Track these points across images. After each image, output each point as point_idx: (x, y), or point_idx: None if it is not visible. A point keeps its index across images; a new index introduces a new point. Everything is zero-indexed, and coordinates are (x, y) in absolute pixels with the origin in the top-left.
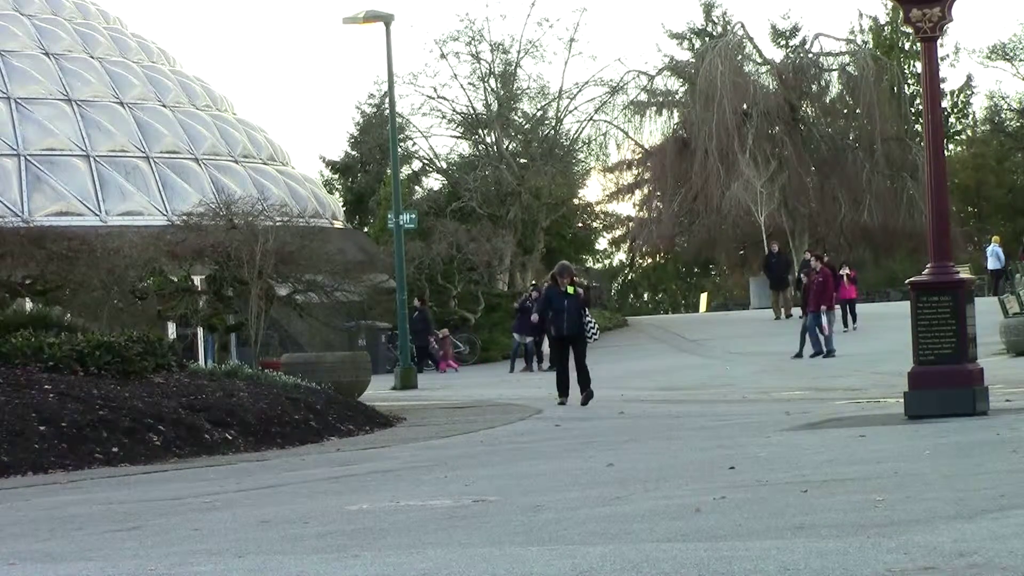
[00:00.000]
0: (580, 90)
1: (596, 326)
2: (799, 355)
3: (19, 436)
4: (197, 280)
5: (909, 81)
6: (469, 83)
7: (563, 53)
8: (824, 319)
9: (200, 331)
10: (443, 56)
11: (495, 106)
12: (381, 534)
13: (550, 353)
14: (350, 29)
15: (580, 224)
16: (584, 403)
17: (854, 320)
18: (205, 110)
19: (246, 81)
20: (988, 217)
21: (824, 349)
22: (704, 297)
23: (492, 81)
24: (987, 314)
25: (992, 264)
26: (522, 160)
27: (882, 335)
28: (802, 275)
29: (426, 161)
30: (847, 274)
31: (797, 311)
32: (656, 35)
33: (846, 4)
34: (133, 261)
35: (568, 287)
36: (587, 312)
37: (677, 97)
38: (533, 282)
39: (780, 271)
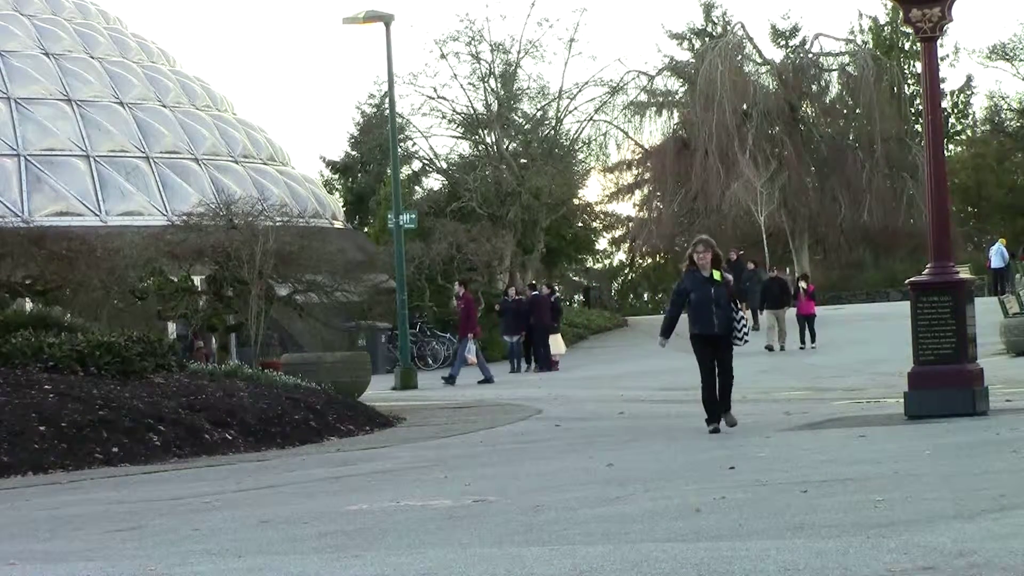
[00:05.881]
0: (580, 90)
1: (748, 324)
2: (450, 379)
3: (19, 436)
4: (197, 280)
5: (909, 81)
6: (469, 83)
7: (563, 53)
8: (470, 346)
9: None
10: (443, 56)
11: (495, 106)
12: (381, 534)
13: (698, 361)
14: (350, 29)
15: (580, 224)
16: (728, 425)
17: (812, 339)
18: (205, 110)
19: (246, 81)
20: (988, 217)
21: (474, 374)
22: None
23: (492, 81)
24: (987, 314)
25: (996, 263)
26: (522, 160)
27: (881, 336)
28: (746, 284)
29: (426, 161)
30: (804, 288)
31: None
32: (656, 35)
33: (846, 4)
34: (133, 261)
35: (713, 271)
36: (738, 306)
37: (677, 97)
38: (514, 286)
39: (739, 278)
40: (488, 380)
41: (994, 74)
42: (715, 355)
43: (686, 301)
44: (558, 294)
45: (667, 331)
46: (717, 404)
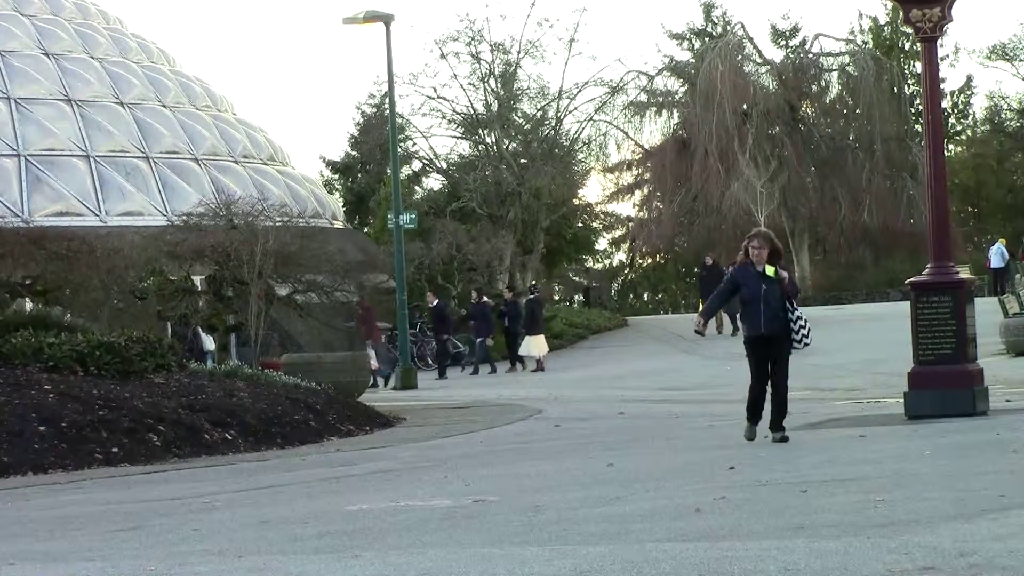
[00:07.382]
0: (580, 90)
1: (808, 326)
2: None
3: (19, 436)
4: (197, 280)
5: (909, 81)
6: (469, 83)
7: (563, 53)
8: (370, 351)
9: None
10: (443, 56)
11: (495, 106)
12: (381, 534)
13: (750, 364)
14: (350, 29)
15: (580, 224)
16: (777, 440)
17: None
18: (205, 110)
19: (246, 81)
20: (988, 217)
21: (373, 380)
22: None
23: (492, 81)
24: (987, 314)
25: (996, 263)
26: (522, 160)
27: (881, 336)
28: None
29: (426, 161)
30: None
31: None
32: (656, 35)
33: (846, 4)
34: (133, 261)
35: (767, 267)
36: (794, 305)
37: (677, 97)
38: (479, 287)
39: (715, 285)
40: (375, 385)
41: (994, 74)
42: (767, 359)
43: (735, 293)
44: (537, 295)
45: (706, 313)
46: (760, 409)
